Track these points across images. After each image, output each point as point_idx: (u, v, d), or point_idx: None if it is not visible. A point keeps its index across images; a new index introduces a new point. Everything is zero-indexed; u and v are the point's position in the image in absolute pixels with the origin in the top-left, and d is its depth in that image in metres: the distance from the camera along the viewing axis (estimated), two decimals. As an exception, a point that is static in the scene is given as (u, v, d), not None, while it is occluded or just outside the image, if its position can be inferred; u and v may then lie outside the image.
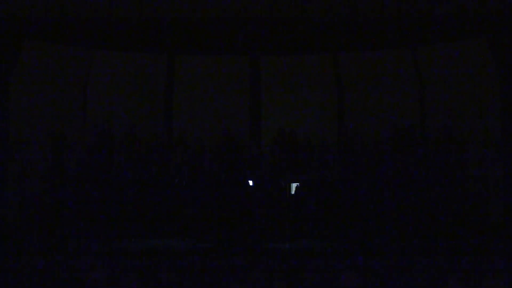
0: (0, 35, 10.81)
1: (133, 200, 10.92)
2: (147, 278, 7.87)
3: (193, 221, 10.71)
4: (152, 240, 10.39)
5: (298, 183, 10.72)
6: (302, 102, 12.85)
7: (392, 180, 10.86)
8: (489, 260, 8.59)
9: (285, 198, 10.84)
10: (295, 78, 12.93)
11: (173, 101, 12.91)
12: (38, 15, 10.74)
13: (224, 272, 8.50)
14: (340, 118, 12.80)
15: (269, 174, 11.07)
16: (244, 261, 9.01)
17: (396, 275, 8.40)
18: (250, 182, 10.52)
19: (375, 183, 10.86)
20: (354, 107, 12.70)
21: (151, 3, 10.92)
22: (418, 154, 11.16)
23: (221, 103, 12.85)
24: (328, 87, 12.94)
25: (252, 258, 9.16)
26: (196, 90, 12.92)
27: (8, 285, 7.97)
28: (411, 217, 10.63)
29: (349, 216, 10.79)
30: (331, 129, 12.49)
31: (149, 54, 12.68)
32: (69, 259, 8.85)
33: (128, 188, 10.97)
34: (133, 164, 11.10)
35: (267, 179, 11.05)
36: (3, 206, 10.81)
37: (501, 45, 10.87)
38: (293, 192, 10.72)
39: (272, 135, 11.89)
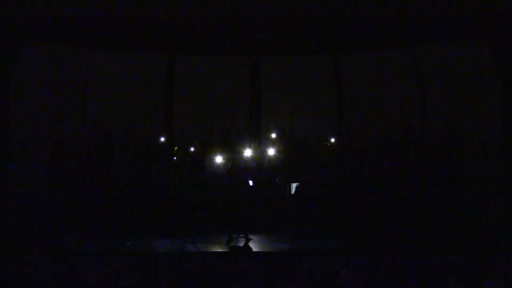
0: (0, 35, 10.79)
1: (133, 200, 10.91)
2: (146, 278, 7.88)
3: (193, 221, 10.70)
4: (152, 240, 10.38)
5: (298, 183, 10.72)
6: (302, 102, 12.85)
7: (392, 180, 10.86)
8: (489, 260, 8.58)
9: (285, 198, 10.84)
10: (295, 78, 12.93)
11: (173, 101, 12.91)
12: (38, 15, 10.73)
13: (224, 273, 8.51)
14: (340, 118, 12.80)
15: (269, 174, 11.06)
16: (244, 261, 9.01)
17: (396, 275, 8.40)
18: (250, 182, 10.51)
19: (375, 183, 10.85)
20: (354, 107, 12.69)
21: (151, 3, 10.91)
22: (418, 154, 11.15)
23: (221, 103, 12.85)
24: (328, 87, 12.94)
25: (252, 258, 9.16)
26: (196, 90, 12.92)
27: (9, 285, 7.98)
28: (411, 216, 10.62)
29: (349, 216, 10.78)
30: (331, 129, 12.48)
31: (149, 54, 12.68)
32: (69, 259, 8.85)
33: (128, 188, 10.97)
34: (133, 164, 11.09)
35: (267, 179, 11.05)
36: (3, 206, 10.80)
37: (501, 45, 10.85)
38: (293, 192, 10.72)
39: (272, 135, 11.89)
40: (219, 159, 10.39)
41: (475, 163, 11.22)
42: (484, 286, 7.24)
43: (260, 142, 12.04)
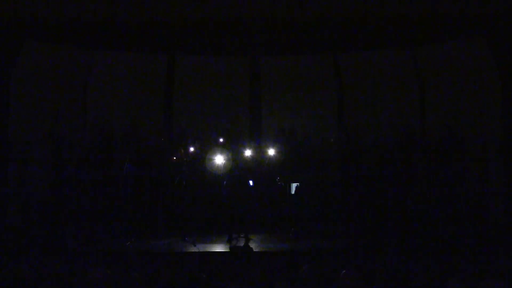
0: (0, 35, 10.80)
1: (133, 200, 10.91)
2: (147, 278, 7.87)
3: (194, 221, 10.70)
4: (152, 240, 10.39)
5: (298, 183, 10.72)
6: (302, 102, 12.85)
7: (392, 180, 10.86)
8: (489, 260, 8.58)
9: (285, 198, 10.84)
10: (295, 78, 12.93)
11: (173, 101, 12.91)
12: (38, 15, 10.73)
13: (224, 272, 8.50)
14: (340, 118, 12.80)
15: (269, 174, 11.06)
16: (244, 261, 9.01)
17: (396, 275, 8.40)
18: (250, 182, 10.51)
19: (375, 183, 10.85)
20: (354, 107, 12.69)
21: (151, 3, 10.91)
22: (418, 154, 11.15)
23: (221, 103, 12.85)
24: (328, 87, 12.93)
25: (252, 258, 9.15)
26: (196, 90, 12.92)
27: (9, 285, 7.97)
28: (411, 216, 10.62)
29: (349, 216, 10.78)
30: (331, 129, 12.48)
31: (149, 54, 12.68)
32: (69, 259, 8.85)
33: (128, 188, 10.97)
34: (133, 164, 11.09)
35: (267, 179, 11.04)
36: (3, 206, 10.80)
37: (501, 45, 10.86)
38: (293, 192, 10.72)
39: (272, 135, 11.88)
40: (219, 159, 10.34)
41: (475, 163, 11.22)
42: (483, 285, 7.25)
43: (260, 142, 12.03)
